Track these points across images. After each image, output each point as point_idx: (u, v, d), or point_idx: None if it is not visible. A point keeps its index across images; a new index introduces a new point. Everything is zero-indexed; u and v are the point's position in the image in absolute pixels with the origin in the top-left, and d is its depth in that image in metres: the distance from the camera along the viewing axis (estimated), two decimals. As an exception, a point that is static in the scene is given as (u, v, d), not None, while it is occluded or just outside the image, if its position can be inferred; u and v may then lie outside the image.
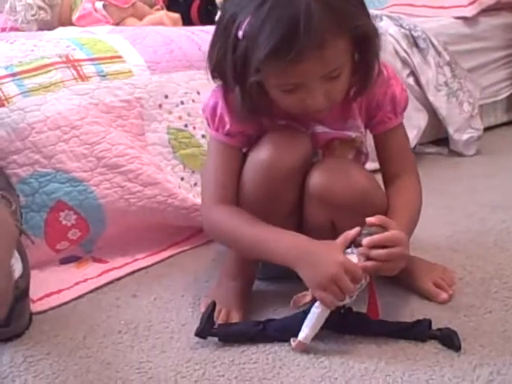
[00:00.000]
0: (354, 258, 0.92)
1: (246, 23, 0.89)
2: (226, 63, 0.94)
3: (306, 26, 0.85)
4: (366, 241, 0.91)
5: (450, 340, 0.94)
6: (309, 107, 0.94)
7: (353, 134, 1.05)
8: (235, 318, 1.03)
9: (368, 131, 1.09)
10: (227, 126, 1.01)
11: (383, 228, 0.93)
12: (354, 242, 0.93)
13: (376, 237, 0.91)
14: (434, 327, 0.97)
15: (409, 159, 1.09)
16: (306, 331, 0.94)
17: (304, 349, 0.94)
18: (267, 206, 1.01)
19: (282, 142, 1.00)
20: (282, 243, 0.96)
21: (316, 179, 1.00)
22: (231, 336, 0.98)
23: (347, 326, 0.98)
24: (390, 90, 1.04)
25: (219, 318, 1.02)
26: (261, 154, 1.00)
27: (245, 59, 0.91)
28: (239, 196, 1.03)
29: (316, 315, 0.93)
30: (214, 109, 1.02)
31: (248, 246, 0.99)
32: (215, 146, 1.05)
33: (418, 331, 0.96)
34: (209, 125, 1.05)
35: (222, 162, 1.03)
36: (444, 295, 1.06)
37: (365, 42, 0.94)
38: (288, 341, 0.95)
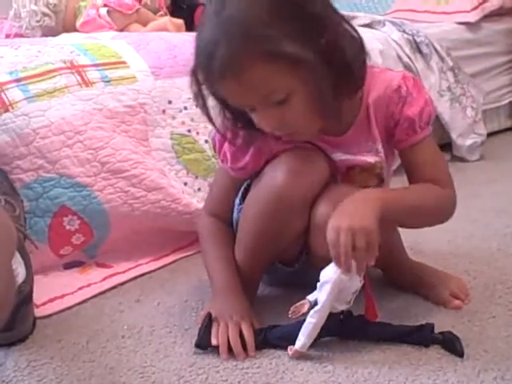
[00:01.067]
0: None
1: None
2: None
3: (220, 55, 0.86)
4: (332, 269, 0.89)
5: (452, 345, 0.94)
6: (272, 131, 0.94)
7: (372, 160, 1.01)
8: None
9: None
10: (228, 164, 1.04)
11: None
12: None
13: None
14: (437, 332, 0.97)
15: (439, 173, 1.01)
16: (302, 340, 0.93)
17: (301, 356, 0.94)
18: (276, 230, 1.00)
19: (299, 166, 0.97)
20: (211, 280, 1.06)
21: (322, 210, 0.97)
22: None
23: (348, 331, 0.97)
24: (405, 107, 0.98)
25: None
26: (275, 178, 0.97)
27: None
28: (247, 212, 1.03)
29: (312, 324, 0.93)
30: (221, 144, 1.05)
31: (205, 265, 1.09)
32: (220, 169, 1.10)
33: (421, 336, 0.96)
34: (214, 151, 1.10)
35: (222, 180, 1.10)
36: (457, 302, 1.06)
37: (303, 66, 0.87)
38: None
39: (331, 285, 0.90)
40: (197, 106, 0.97)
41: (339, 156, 1.01)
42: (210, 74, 0.89)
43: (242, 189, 1.07)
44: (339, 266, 0.88)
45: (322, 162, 0.99)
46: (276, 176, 0.97)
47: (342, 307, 0.93)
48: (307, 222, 1.00)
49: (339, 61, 0.90)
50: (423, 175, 1.01)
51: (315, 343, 0.95)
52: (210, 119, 0.98)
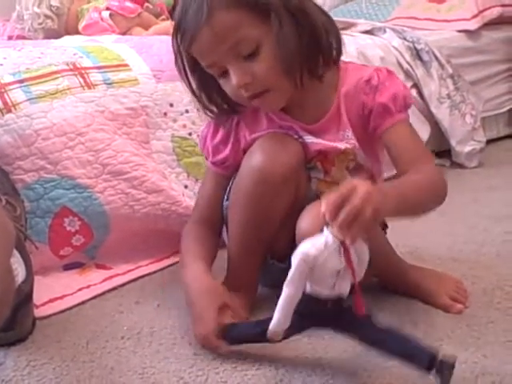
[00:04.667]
0: (329, 237, 0.83)
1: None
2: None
3: (193, 8, 0.94)
4: (324, 208, 0.80)
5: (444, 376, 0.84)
6: (243, 91, 0.97)
7: (342, 146, 1.03)
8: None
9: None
10: (210, 158, 1.10)
11: None
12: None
13: (330, 198, 0.80)
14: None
15: (418, 154, 1.01)
16: (276, 316, 0.88)
17: (278, 337, 0.89)
18: (261, 213, 1.02)
19: (273, 146, 1.01)
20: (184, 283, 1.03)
21: (304, 224, 0.98)
22: (236, 340, 0.96)
23: (339, 324, 0.90)
24: (378, 94, 1.01)
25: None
26: (253, 161, 1.02)
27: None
28: (233, 204, 1.05)
29: (284, 297, 0.87)
30: (204, 140, 1.11)
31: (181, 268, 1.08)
32: (207, 171, 1.15)
33: (420, 361, 0.85)
34: (201, 151, 1.15)
35: (207, 185, 1.13)
36: (459, 306, 1.06)
37: (271, 17, 0.93)
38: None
39: (300, 255, 0.85)
40: (178, 70, 1.03)
41: (311, 139, 1.04)
42: (186, 30, 0.96)
43: (228, 188, 1.09)
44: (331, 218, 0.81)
45: (295, 142, 1.03)
46: (253, 160, 1.01)
47: (326, 292, 0.87)
48: (291, 200, 1.03)
49: (308, 25, 0.95)
50: (406, 156, 1.01)
51: (305, 333, 0.92)
52: (188, 82, 1.03)
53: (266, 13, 0.94)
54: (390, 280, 1.13)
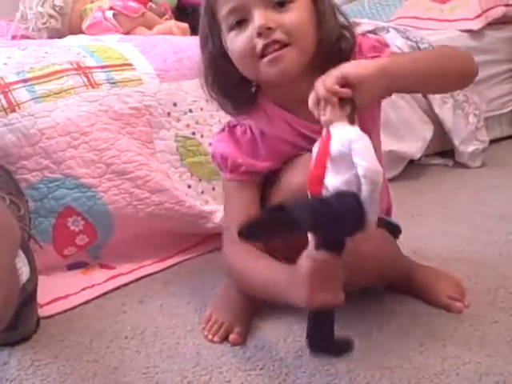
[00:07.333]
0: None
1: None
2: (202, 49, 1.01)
3: None
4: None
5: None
6: (262, 39, 0.92)
7: None
8: (237, 331, 1.01)
9: None
10: (242, 168, 1.02)
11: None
12: None
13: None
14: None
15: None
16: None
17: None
18: None
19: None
20: (273, 282, 0.91)
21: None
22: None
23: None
24: (357, 57, 1.00)
25: (218, 334, 1.01)
26: (293, 179, 0.98)
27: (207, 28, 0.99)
28: None
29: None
30: (224, 156, 1.04)
31: (254, 289, 0.98)
32: (230, 187, 1.05)
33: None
34: (221, 170, 1.06)
35: (239, 201, 1.03)
36: (459, 304, 1.06)
37: None
38: None
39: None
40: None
41: None
42: None
43: None
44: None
45: None
46: (293, 176, 0.97)
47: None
48: None
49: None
50: None
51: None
52: (207, 48, 1.00)
53: None
54: (394, 280, 1.13)
